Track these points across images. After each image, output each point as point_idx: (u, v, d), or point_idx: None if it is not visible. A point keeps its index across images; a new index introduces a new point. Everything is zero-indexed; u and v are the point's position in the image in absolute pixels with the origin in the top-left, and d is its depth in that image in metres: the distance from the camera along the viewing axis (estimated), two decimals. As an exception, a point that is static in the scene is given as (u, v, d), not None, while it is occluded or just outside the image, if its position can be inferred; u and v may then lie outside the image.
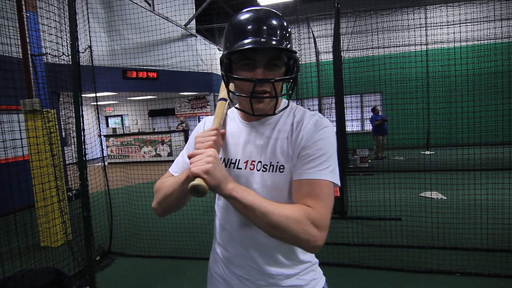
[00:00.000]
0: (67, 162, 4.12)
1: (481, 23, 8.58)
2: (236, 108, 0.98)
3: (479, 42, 9.26)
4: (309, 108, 1.09)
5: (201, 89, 10.25)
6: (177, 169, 1.04)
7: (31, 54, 3.92)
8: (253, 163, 0.93)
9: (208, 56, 10.02)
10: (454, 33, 9.26)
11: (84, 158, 2.70)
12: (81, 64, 2.79)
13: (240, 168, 0.94)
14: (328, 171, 0.85)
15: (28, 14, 4.05)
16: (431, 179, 4.36)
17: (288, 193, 0.90)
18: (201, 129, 1.07)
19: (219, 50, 11.07)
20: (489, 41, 9.15)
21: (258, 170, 0.92)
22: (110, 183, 3.94)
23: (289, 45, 0.86)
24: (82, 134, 2.70)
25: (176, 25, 8.55)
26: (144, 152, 11.83)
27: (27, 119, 3.68)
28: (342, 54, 4.46)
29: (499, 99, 5.24)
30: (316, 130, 0.88)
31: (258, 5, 12.09)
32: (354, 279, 2.84)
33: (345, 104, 6.35)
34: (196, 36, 9.55)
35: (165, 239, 3.77)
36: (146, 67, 8.44)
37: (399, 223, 3.81)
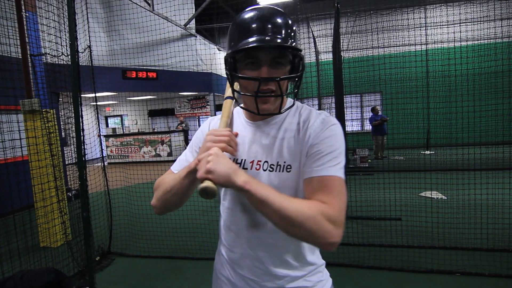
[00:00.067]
0: (66, 162, 4.11)
1: (481, 22, 8.59)
2: (241, 107, 0.97)
3: (479, 41, 9.26)
4: None
5: (201, 89, 10.23)
6: (179, 167, 1.03)
7: (30, 54, 3.91)
8: (259, 163, 0.92)
9: (208, 56, 10.01)
10: (454, 32, 9.26)
11: (83, 158, 2.69)
12: (80, 64, 2.79)
13: (246, 168, 0.93)
14: (339, 167, 0.84)
15: (27, 14, 4.05)
16: (431, 179, 4.35)
17: (295, 193, 0.89)
18: (206, 129, 1.06)
19: (219, 50, 11.05)
20: (489, 40, 9.16)
21: (264, 170, 0.91)
22: (109, 183, 3.94)
23: (294, 43, 0.85)
24: (82, 134, 2.70)
25: (176, 25, 8.54)
26: (144, 152, 11.83)
27: (27, 119, 3.67)
28: (342, 54, 4.45)
29: (499, 99, 5.23)
30: (324, 127, 0.88)
31: (258, 5, 12.05)
32: (354, 279, 2.84)
33: (345, 104, 6.34)
34: (196, 36, 9.54)
35: (164, 239, 3.77)
36: (146, 67, 8.42)
37: (399, 223, 3.81)
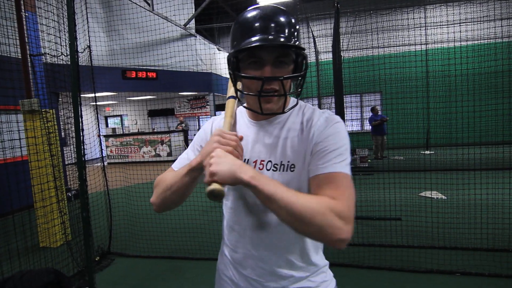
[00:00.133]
0: (66, 162, 4.11)
1: (481, 22, 8.59)
2: (244, 107, 0.96)
3: (479, 41, 9.27)
4: None
5: (201, 89, 10.23)
6: (180, 165, 1.01)
7: (30, 54, 3.91)
8: (262, 162, 0.92)
9: (208, 56, 10.01)
10: (454, 32, 9.26)
11: (83, 158, 2.69)
12: (80, 64, 2.78)
13: None
14: (345, 164, 0.83)
15: (27, 14, 4.04)
16: (431, 179, 4.35)
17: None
18: (209, 128, 1.05)
19: (219, 50, 11.05)
20: (489, 40, 9.16)
21: (268, 170, 0.90)
22: (109, 183, 3.93)
23: (297, 42, 0.84)
24: (81, 134, 2.69)
25: (176, 25, 8.54)
26: (144, 152, 11.83)
27: (26, 119, 3.67)
28: (341, 54, 4.45)
29: (499, 99, 5.22)
30: (328, 125, 0.87)
31: (258, 5, 12.04)
32: (354, 279, 2.83)
33: (344, 104, 6.33)
34: (196, 36, 9.54)
35: (164, 240, 3.76)
36: (146, 67, 8.42)
37: (399, 223, 3.80)
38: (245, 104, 0.96)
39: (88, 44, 3.75)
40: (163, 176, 0.98)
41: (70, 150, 3.74)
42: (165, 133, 11.75)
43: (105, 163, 4.65)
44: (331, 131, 0.86)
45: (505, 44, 9.14)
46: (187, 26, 9.14)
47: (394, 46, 9.83)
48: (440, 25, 10.34)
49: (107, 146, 12.00)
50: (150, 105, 14.70)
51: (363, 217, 4.25)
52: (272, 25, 0.82)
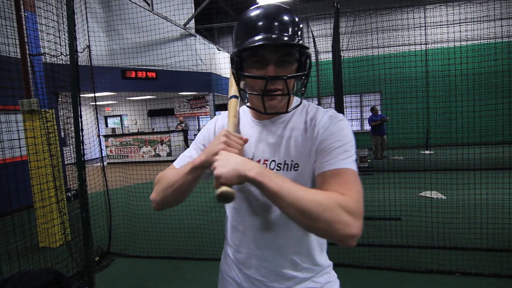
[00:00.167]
0: (66, 162, 4.10)
1: (481, 22, 8.59)
2: (248, 106, 0.96)
3: (478, 41, 9.27)
4: None
5: (201, 89, 10.23)
6: (182, 163, 1.00)
7: (29, 54, 3.90)
8: (265, 162, 0.92)
9: (208, 56, 10.01)
10: (454, 32, 9.26)
11: (82, 158, 2.68)
12: (79, 64, 2.78)
13: None
14: (351, 160, 0.82)
15: (26, 14, 4.03)
16: (430, 179, 4.35)
17: None
18: (212, 127, 1.05)
19: (219, 50, 11.04)
20: (488, 40, 9.16)
21: (271, 169, 0.89)
22: (109, 183, 3.93)
23: (301, 41, 0.83)
24: (81, 134, 2.69)
25: (175, 25, 8.53)
26: (143, 152, 11.82)
27: (26, 119, 3.66)
28: (341, 54, 4.44)
29: (499, 99, 5.23)
30: (332, 123, 0.87)
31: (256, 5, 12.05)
32: (354, 279, 2.83)
33: (344, 104, 6.33)
34: (195, 36, 9.53)
35: (164, 240, 3.76)
36: (145, 67, 8.42)
37: (399, 223, 3.80)
38: (248, 104, 0.95)
39: (88, 44, 3.74)
40: (164, 174, 0.97)
41: (70, 150, 3.74)
42: (165, 133, 11.75)
43: (105, 163, 4.64)
44: (335, 129, 0.86)
45: (505, 44, 9.14)
46: (187, 26, 9.13)
47: (393, 46, 9.83)
48: (440, 25, 10.34)
49: (106, 146, 11.99)
50: (149, 105, 14.70)
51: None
52: (276, 24, 0.81)
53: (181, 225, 4.04)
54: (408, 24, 10.65)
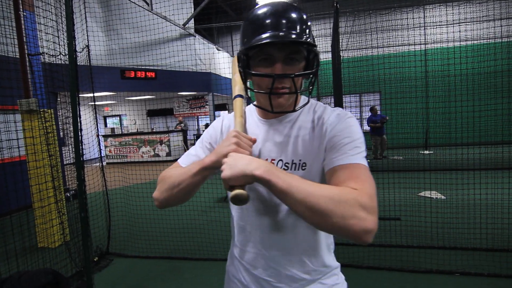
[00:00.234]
0: (65, 162, 4.09)
1: (480, 22, 8.59)
2: (254, 105, 0.95)
3: (478, 41, 9.27)
4: None
5: (200, 89, 10.23)
6: (188, 162, 1.00)
7: (28, 53, 3.89)
8: (272, 161, 0.91)
9: (207, 56, 10.00)
10: (453, 32, 9.26)
11: (81, 159, 2.68)
12: (78, 63, 2.77)
13: None
14: (361, 156, 0.81)
15: (25, 13, 4.02)
16: (430, 179, 4.35)
17: None
18: (219, 126, 1.03)
19: (218, 50, 11.04)
20: (488, 40, 9.17)
21: (279, 167, 0.88)
22: (108, 184, 3.92)
23: (309, 39, 0.82)
24: (80, 134, 2.68)
25: (175, 25, 8.53)
26: (143, 152, 11.81)
27: (24, 119, 3.65)
28: (341, 54, 4.44)
29: (498, 99, 5.23)
30: (340, 121, 0.86)
31: (257, 5, 12.06)
32: (353, 280, 2.83)
33: (344, 104, 6.33)
34: (195, 36, 9.53)
35: (163, 240, 3.75)
36: (145, 67, 8.41)
37: (399, 223, 3.80)
38: (255, 102, 0.94)
39: (87, 44, 3.73)
40: (169, 172, 0.95)
41: (69, 150, 3.73)
42: (164, 133, 11.74)
43: (104, 163, 4.63)
44: (344, 126, 0.85)
45: (504, 44, 9.14)
46: (186, 25, 9.13)
47: (393, 46, 9.82)
48: (439, 25, 10.34)
49: (106, 146, 11.98)
50: (149, 105, 14.70)
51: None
52: (283, 21, 0.80)
53: (180, 225, 4.03)
54: (407, 24, 10.65)
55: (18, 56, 3.67)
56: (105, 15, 7.10)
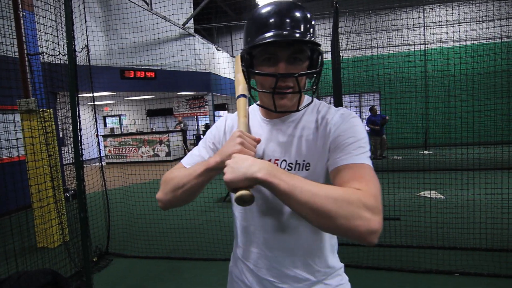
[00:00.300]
0: (64, 162, 4.09)
1: (480, 22, 8.60)
2: (258, 105, 0.94)
3: (477, 41, 9.28)
4: None
5: (199, 89, 10.22)
6: (191, 162, 0.99)
7: (27, 53, 3.88)
8: (276, 162, 0.90)
9: (206, 55, 10.00)
10: (453, 32, 9.27)
11: (81, 159, 2.67)
12: (78, 63, 2.77)
13: None
14: (366, 156, 0.80)
15: (24, 13, 4.02)
16: (430, 179, 4.35)
17: None
18: (222, 126, 1.02)
19: (218, 49, 11.04)
20: (488, 40, 9.17)
21: (282, 169, 0.87)
22: (107, 184, 3.92)
23: (313, 38, 0.82)
24: (79, 134, 2.68)
25: (174, 25, 8.52)
26: (142, 152, 11.80)
27: (23, 119, 3.65)
28: (340, 54, 4.44)
29: (498, 99, 5.23)
30: (344, 121, 0.85)
31: (257, 5, 12.08)
32: (352, 280, 2.80)
33: (343, 104, 6.33)
34: (194, 36, 9.52)
35: (163, 240, 3.75)
36: (144, 67, 8.40)
37: (398, 223, 3.80)
38: (258, 102, 0.94)
39: (86, 44, 3.73)
40: (173, 173, 0.94)
41: (68, 150, 3.73)
42: (164, 133, 11.73)
43: (103, 163, 4.63)
44: (348, 126, 0.84)
45: (504, 44, 9.15)
46: (186, 25, 9.12)
47: (393, 46, 9.83)
48: (439, 25, 10.35)
49: (105, 146, 11.97)
50: (148, 105, 14.69)
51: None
52: (287, 20, 0.80)
53: (179, 225, 4.03)
54: (407, 24, 10.66)
55: (17, 56, 3.67)
56: (104, 15, 7.09)
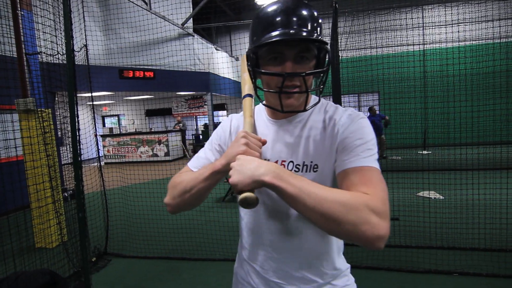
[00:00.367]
0: (62, 162, 4.07)
1: (479, 23, 8.61)
2: (264, 105, 0.93)
3: (476, 42, 9.30)
4: None
5: (198, 89, 10.21)
6: (198, 165, 0.98)
7: (25, 53, 3.87)
8: (283, 163, 0.89)
9: (206, 55, 9.99)
10: (452, 32, 9.28)
11: (79, 158, 2.66)
12: (76, 63, 2.76)
13: None
14: (374, 159, 0.79)
15: (22, 13, 4.00)
16: (428, 179, 4.35)
17: None
18: (227, 127, 1.01)
19: (217, 49, 11.02)
20: (486, 41, 9.19)
21: (289, 171, 0.87)
22: (106, 184, 3.91)
23: (320, 36, 0.80)
24: (78, 134, 2.67)
25: (173, 24, 8.50)
26: (141, 152, 11.78)
27: (22, 119, 3.63)
28: (339, 54, 4.44)
29: (497, 99, 5.24)
30: (353, 121, 0.84)
31: (256, 4, 12.07)
32: (352, 280, 2.82)
33: (342, 104, 6.33)
34: (193, 36, 9.51)
35: (162, 240, 3.74)
36: (143, 67, 8.39)
37: (397, 223, 3.80)
38: (264, 102, 0.92)
39: (85, 43, 3.72)
40: (180, 177, 0.93)
41: (66, 150, 3.71)
42: (163, 133, 11.72)
43: (102, 163, 4.62)
44: (356, 127, 0.83)
45: (503, 44, 9.16)
46: (185, 25, 9.11)
47: (392, 46, 9.84)
48: (438, 26, 10.37)
49: (104, 146, 11.94)
50: (147, 104, 14.67)
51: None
52: (294, 19, 0.78)
53: (178, 226, 4.02)
54: (406, 24, 10.67)
55: (15, 56, 3.65)
56: (103, 14, 7.07)
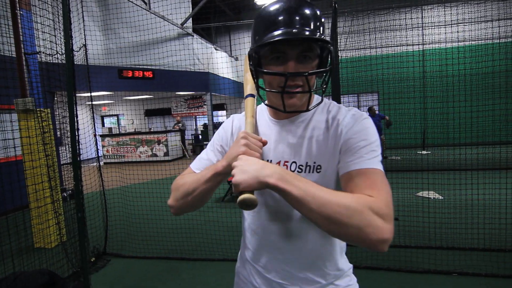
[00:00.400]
0: (61, 162, 4.07)
1: (478, 23, 8.62)
2: (266, 105, 0.92)
3: (476, 42, 9.31)
4: None
5: (198, 89, 10.21)
6: (200, 166, 0.98)
7: (24, 52, 3.86)
8: (286, 163, 0.88)
9: (205, 55, 9.98)
10: (451, 32, 9.29)
11: (78, 158, 2.66)
12: (75, 63, 2.75)
13: None
14: (377, 160, 0.78)
15: (21, 12, 3.99)
16: (428, 179, 4.36)
17: None
18: (229, 127, 1.01)
19: (216, 49, 11.02)
20: (486, 41, 9.21)
21: (292, 171, 0.84)
22: (105, 183, 3.90)
23: (322, 36, 0.80)
24: (77, 134, 2.66)
25: (173, 24, 8.50)
26: (140, 152, 11.77)
27: (20, 119, 3.62)
28: (339, 54, 4.44)
29: (496, 99, 5.25)
30: (356, 122, 0.83)
31: (255, 4, 12.07)
32: (351, 280, 2.82)
33: (342, 104, 6.32)
34: (193, 35, 9.51)
35: (161, 240, 3.74)
36: (142, 66, 8.38)
37: (396, 223, 3.80)
38: (266, 102, 0.92)
39: (84, 43, 3.71)
40: (183, 179, 0.93)
41: (65, 149, 3.71)
42: (162, 133, 11.71)
43: (101, 163, 4.61)
44: (360, 128, 0.82)
45: (502, 44, 9.18)
46: (184, 25, 9.10)
47: (391, 46, 9.85)
48: (437, 26, 10.38)
49: (103, 146, 11.93)
50: (147, 104, 14.66)
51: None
52: (297, 18, 0.78)
53: (178, 226, 4.01)
54: (405, 25, 10.68)
55: (14, 55, 3.65)
56: (102, 14, 7.06)
